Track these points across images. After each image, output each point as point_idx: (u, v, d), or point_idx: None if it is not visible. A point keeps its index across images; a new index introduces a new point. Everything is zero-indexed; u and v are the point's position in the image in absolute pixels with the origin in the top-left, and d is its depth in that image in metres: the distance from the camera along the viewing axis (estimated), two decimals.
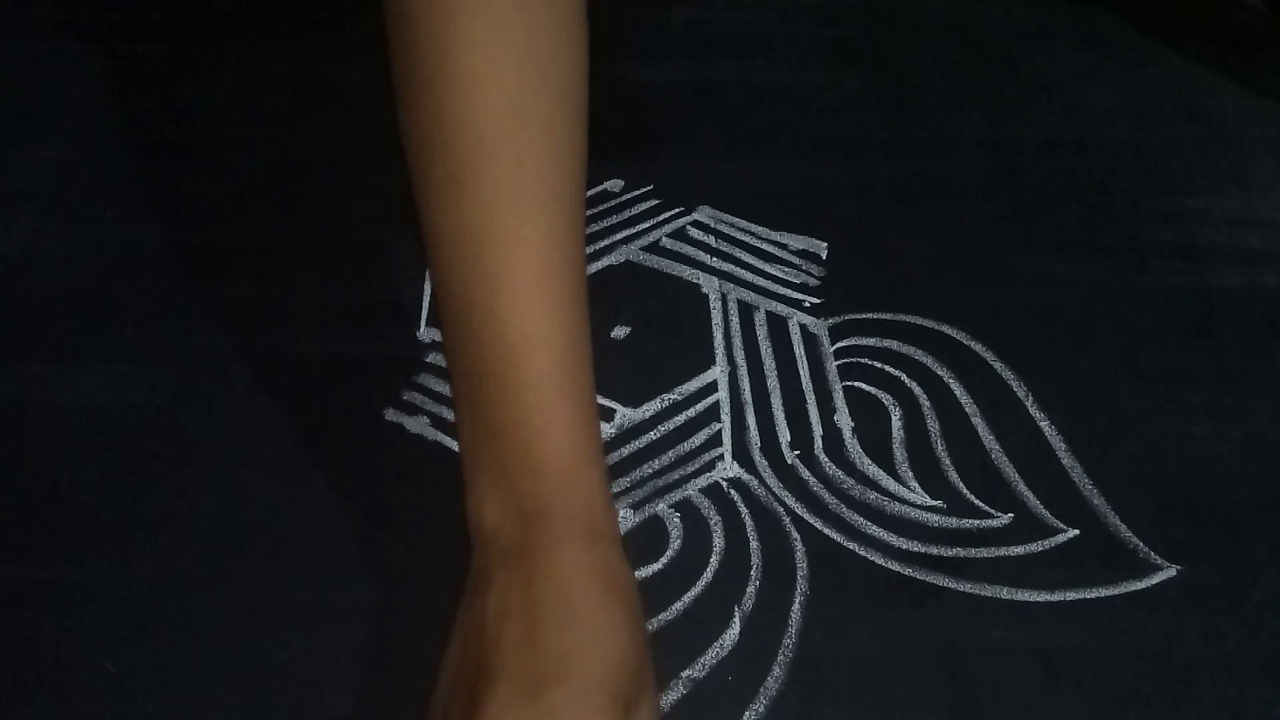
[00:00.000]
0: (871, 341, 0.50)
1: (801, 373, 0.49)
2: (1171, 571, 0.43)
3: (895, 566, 0.43)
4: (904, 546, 0.44)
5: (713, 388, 0.48)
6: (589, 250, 0.53)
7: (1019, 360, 0.49)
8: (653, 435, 0.47)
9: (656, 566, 0.43)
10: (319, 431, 0.46)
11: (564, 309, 0.36)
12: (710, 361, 0.49)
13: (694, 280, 0.52)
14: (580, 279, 0.38)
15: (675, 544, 0.44)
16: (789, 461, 0.46)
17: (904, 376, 0.49)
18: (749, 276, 0.52)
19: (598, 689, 0.32)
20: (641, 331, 0.50)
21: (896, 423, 0.47)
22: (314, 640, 0.40)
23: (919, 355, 0.50)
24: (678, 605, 0.42)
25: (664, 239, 0.54)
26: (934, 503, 0.45)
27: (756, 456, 0.46)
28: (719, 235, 0.54)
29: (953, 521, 0.45)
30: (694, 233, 0.54)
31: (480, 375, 0.36)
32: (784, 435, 0.47)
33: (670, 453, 0.46)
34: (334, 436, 0.46)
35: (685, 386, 0.48)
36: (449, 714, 0.33)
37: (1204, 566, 0.43)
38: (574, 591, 0.34)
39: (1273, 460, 0.47)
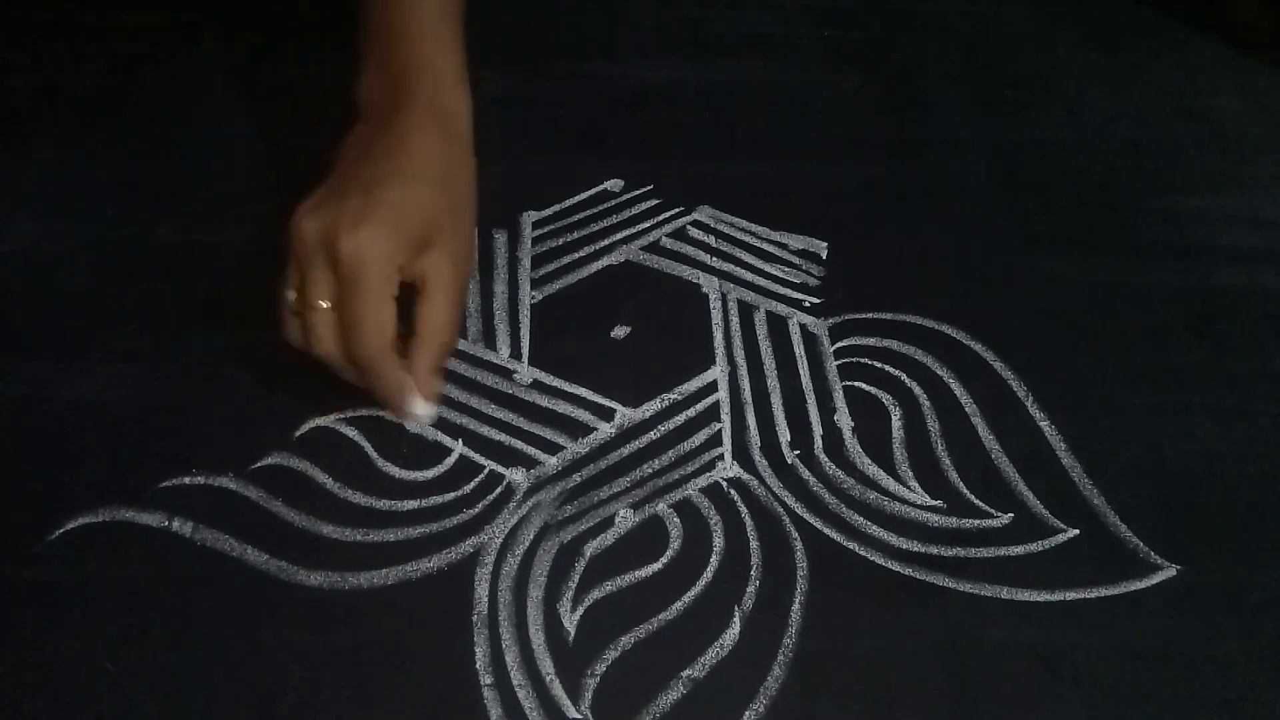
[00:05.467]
0: (871, 341, 0.50)
1: (801, 373, 0.49)
2: (1171, 571, 0.43)
3: (895, 566, 0.43)
4: (904, 546, 0.44)
5: (713, 388, 0.48)
6: (589, 250, 0.53)
7: (1019, 360, 0.49)
8: (653, 435, 0.47)
9: (656, 566, 0.43)
10: (318, 431, 0.46)
11: None
12: (710, 361, 0.49)
13: (694, 280, 0.52)
14: None
15: (675, 544, 0.44)
16: (789, 461, 0.46)
17: (904, 376, 0.49)
18: (749, 276, 0.52)
19: (389, 206, 0.41)
20: (641, 331, 0.50)
21: (896, 423, 0.47)
22: (314, 640, 0.40)
23: (919, 355, 0.50)
24: (678, 605, 0.42)
25: (664, 239, 0.54)
26: (934, 503, 0.45)
27: (756, 456, 0.46)
28: (719, 235, 0.54)
29: (953, 521, 0.45)
30: (694, 233, 0.54)
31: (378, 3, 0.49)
32: (784, 435, 0.47)
33: (670, 453, 0.46)
34: (333, 436, 0.46)
35: (685, 386, 0.48)
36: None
37: (1204, 566, 0.43)
38: (407, 140, 0.44)
39: (1273, 460, 0.47)
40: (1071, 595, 0.43)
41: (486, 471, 0.45)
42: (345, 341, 0.41)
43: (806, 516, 0.44)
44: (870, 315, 0.51)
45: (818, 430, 0.47)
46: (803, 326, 0.51)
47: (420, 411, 0.43)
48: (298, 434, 0.46)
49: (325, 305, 0.41)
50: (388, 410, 0.44)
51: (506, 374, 0.48)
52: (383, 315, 0.41)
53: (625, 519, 0.44)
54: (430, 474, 0.45)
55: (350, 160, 0.45)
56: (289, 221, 0.42)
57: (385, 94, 0.47)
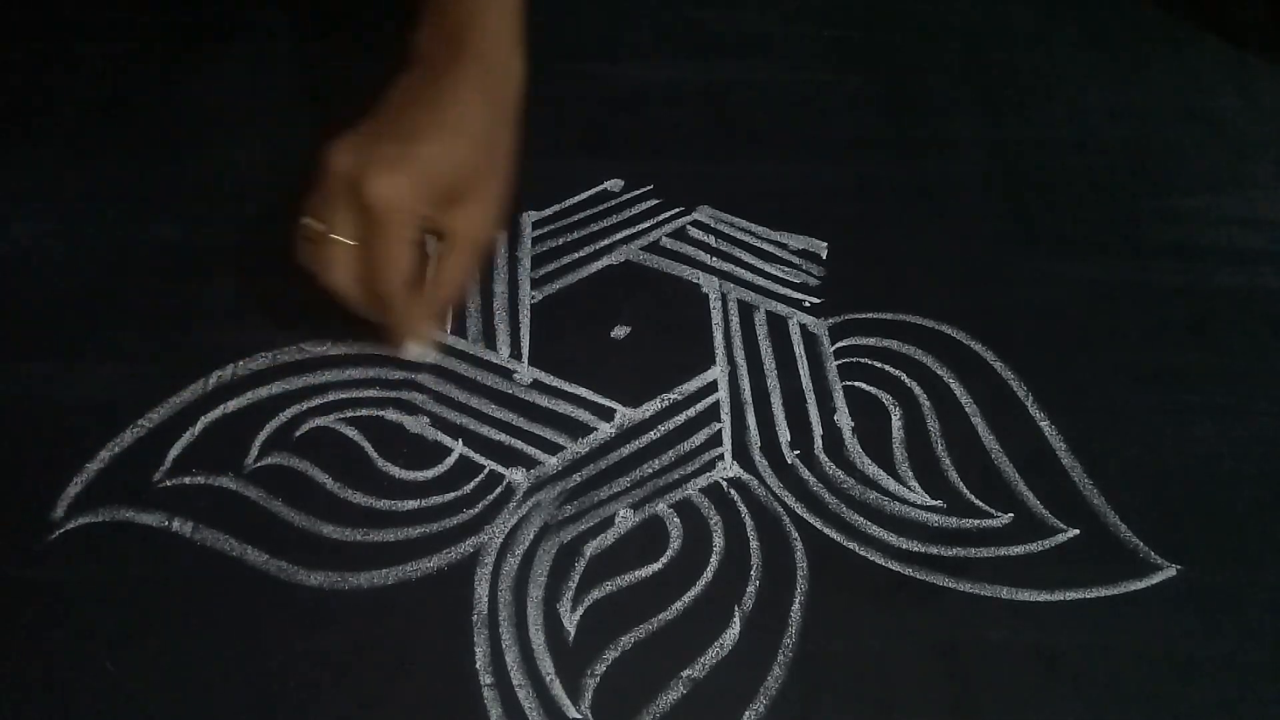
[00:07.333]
0: (871, 341, 0.50)
1: (801, 373, 0.49)
2: (1171, 571, 0.43)
3: (895, 566, 0.43)
4: (904, 546, 0.44)
5: (713, 388, 0.48)
6: (589, 250, 0.53)
7: (1019, 360, 0.49)
8: (653, 435, 0.47)
9: (656, 566, 0.43)
10: (318, 431, 0.46)
11: None
12: (710, 361, 0.49)
13: (694, 280, 0.52)
14: None
15: (675, 544, 0.44)
16: (789, 461, 0.46)
17: (904, 376, 0.49)
18: (749, 276, 0.52)
19: (423, 159, 0.43)
20: (641, 331, 0.50)
21: (896, 423, 0.47)
22: (314, 640, 0.40)
23: (919, 355, 0.50)
24: (678, 605, 0.42)
25: (664, 239, 0.54)
26: (934, 503, 0.45)
27: (756, 456, 0.46)
28: (719, 235, 0.54)
29: (953, 521, 0.45)
30: (694, 233, 0.54)
31: None
32: (784, 435, 0.47)
33: (670, 453, 0.46)
34: (333, 436, 0.46)
35: (685, 386, 0.48)
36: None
37: (1204, 566, 0.43)
38: (453, 96, 0.45)
39: (1273, 460, 0.47)
40: (1071, 595, 0.43)
41: (486, 471, 0.45)
42: (364, 276, 0.44)
43: (806, 516, 0.44)
44: (870, 315, 0.51)
45: (818, 430, 0.47)
46: (803, 326, 0.51)
47: (414, 350, 0.47)
48: (298, 434, 0.46)
49: (345, 240, 0.43)
50: (386, 345, 0.47)
51: (506, 374, 0.48)
52: (401, 258, 0.43)
53: (625, 519, 0.44)
54: (430, 474, 0.45)
55: (394, 107, 0.46)
56: (323, 156, 0.43)
57: (439, 47, 0.47)
